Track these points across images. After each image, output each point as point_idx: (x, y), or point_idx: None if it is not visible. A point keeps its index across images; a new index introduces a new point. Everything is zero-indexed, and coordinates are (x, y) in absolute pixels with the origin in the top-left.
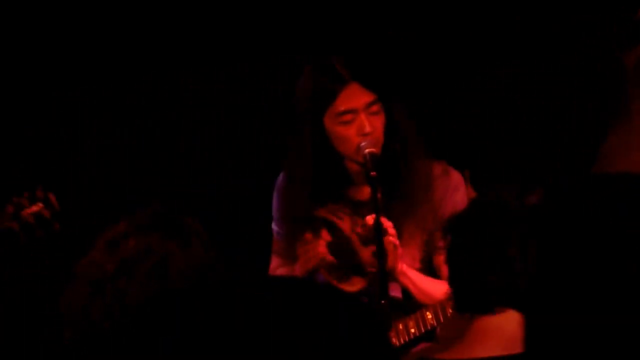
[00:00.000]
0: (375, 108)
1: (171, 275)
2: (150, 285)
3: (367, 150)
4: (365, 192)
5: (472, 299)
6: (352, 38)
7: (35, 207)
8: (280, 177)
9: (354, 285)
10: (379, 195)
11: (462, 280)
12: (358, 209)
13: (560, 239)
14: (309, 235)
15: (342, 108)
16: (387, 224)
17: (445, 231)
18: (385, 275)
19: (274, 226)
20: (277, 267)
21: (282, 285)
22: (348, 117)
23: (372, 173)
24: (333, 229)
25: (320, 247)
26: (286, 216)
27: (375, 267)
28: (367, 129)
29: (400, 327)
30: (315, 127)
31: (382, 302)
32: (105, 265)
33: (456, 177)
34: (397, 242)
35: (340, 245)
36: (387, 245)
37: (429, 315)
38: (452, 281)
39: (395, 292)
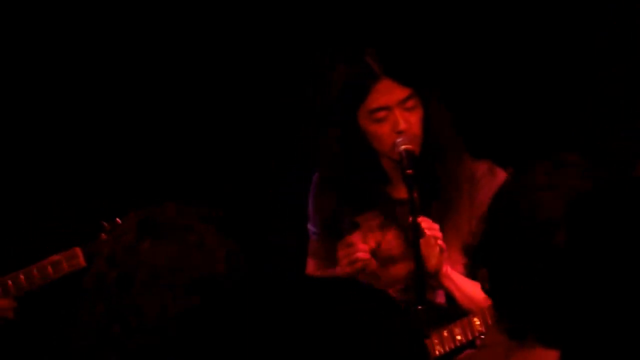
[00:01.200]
0: (410, 103)
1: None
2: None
3: (402, 147)
4: (403, 190)
5: (512, 323)
6: (383, 30)
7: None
8: (315, 176)
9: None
10: (415, 195)
11: (502, 299)
12: (394, 211)
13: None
14: (350, 238)
15: (375, 105)
16: (433, 225)
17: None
18: (423, 279)
19: (309, 227)
20: (314, 269)
21: (321, 287)
22: (381, 114)
23: (407, 171)
24: (376, 234)
25: (363, 251)
26: (321, 217)
27: (409, 282)
28: (402, 126)
29: (445, 334)
30: (347, 125)
31: (419, 307)
32: (108, 275)
33: (502, 176)
34: (444, 245)
35: (382, 251)
36: (432, 246)
37: (477, 322)
38: (492, 299)
39: (439, 298)
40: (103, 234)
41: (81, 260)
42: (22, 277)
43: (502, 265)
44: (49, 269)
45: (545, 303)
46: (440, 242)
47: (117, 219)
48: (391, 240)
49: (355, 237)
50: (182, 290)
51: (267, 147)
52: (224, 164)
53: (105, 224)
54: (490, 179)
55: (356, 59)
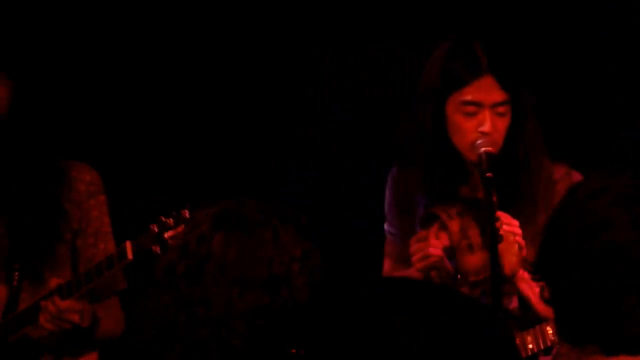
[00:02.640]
0: (502, 109)
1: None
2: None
3: (482, 149)
4: (479, 191)
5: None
6: (498, 30)
7: (179, 229)
8: (393, 170)
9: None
10: (494, 199)
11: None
12: (471, 208)
13: None
14: (423, 233)
15: (469, 97)
16: (512, 221)
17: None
18: (499, 283)
19: (386, 227)
20: (390, 270)
21: (400, 287)
22: (472, 108)
23: (487, 174)
24: (444, 227)
25: (435, 247)
26: (399, 210)
27: (485, 275)
28: (487, 128)
29: (518, 341)
30: (436, 109)
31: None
32: (178, 265)
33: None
34: (523, 242)
35: (456, 247)
36: (510, 243)
37: (550, 331)
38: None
39: (512, 304)
40: (153, 226)
41: (129, 254)
42: (82, 277)
43: (562, 273)
44: (104, 265)
45: (607, 310)
46: (518, 238)
47: (184, 212)
48: (470, 228)
49: (428, 233)
50: (252, 285)
51: (356, 148)
52: (304, 164)
53: (163, 218)
54: (567, 183)
55: (464, 47)
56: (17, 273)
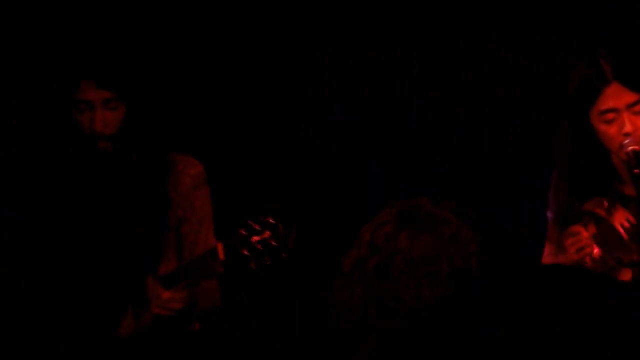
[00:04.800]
0: (639, 107)
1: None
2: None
3: (630, 148)
4: (632, 189)
5: None
6: (618, 37)
7: (266, 235)
8: (555, 170)
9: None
10: None
11: None
12: (626, 203)
13: None
14: (575, 228)
15: (604, 107)
16: None
17: None
18: None
19: (548, 213)
20: (548, 254)
21: (557, 274)
22: (610, 116)
23: (635, 170)
24: (599, 221)
25: (589, 240)
26: (557, 207)
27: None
28: (627, 128)
29: None
30: (580, 123)
31: None
32: (368, 262)
33: None
34: None
35: (606, 238)
36: None
37: None
38: None
39: None
40: (242, 230)
41: (221, 255)
42: (182, 271)
43: None
44: (200, 262)
45: None
46: None
47: (269, 218)
48: (620, 220)
49: (579, 227)
50: (437, 280)
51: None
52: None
53: (251, 222)
54: None
55: (592, 61)
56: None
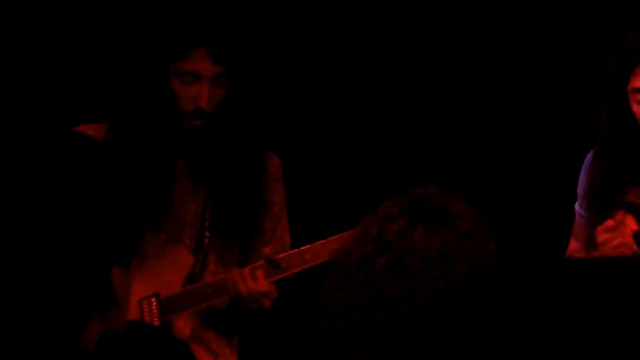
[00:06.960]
0: None
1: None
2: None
3: None
4: None
5: None
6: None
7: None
8: (590, 155)
9: None
10: None
11: None
12: None
13: None
14: (611, 222)
15: (637, 85)
16: None
17: None
18: None
19: (577, 207)
20: (574, 251)
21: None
22: (639, 95)
23: None
24: (632, 210)
25: (626, 235)
26: (590, 197)
27: None
28: None
29: None
30: (616, 102)
31: None
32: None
33: None
34: None
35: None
36: None
37: None
38: None
39: None
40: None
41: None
42: (276, 266)
43: None
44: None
45: None
46: None
47: None
48: None
49: (616, 221)
50: (454, 279)
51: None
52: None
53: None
54: None
55: (634, 35)
56: (207, 240)
